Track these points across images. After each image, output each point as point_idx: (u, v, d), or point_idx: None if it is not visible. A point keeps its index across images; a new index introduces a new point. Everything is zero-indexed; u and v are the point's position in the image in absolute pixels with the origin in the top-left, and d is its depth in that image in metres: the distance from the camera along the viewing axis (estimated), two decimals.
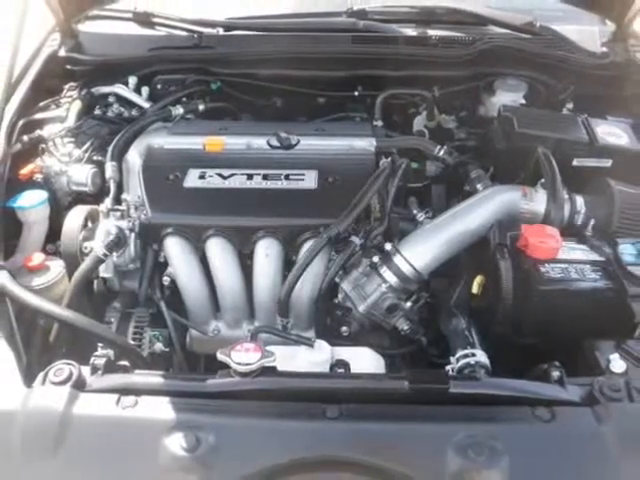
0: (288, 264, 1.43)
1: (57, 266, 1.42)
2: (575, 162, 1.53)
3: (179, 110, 1.79)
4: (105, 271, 1.43)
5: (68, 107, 1.74)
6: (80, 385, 1.03)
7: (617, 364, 1.07)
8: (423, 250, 1.40)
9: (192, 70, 1.91)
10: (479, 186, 1.56)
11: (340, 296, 1.44)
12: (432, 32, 1.96)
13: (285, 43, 1.91)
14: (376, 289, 1.40)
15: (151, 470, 0.95)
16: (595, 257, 1.30)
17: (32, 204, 1.49)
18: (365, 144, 1.62)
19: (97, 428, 1.00)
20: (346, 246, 1.40)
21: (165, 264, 1.48)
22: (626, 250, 1.29)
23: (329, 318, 1.45)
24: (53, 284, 1.38)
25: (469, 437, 0.95)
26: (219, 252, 1.43)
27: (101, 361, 1.07)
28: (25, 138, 1.58)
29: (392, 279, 1.39)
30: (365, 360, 1.28)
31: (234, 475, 0.95)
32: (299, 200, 1.46)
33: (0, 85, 1.55)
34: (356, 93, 1.91)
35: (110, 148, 1.61)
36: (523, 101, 1.81)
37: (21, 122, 1.61)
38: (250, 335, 1.27)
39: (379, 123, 1.78)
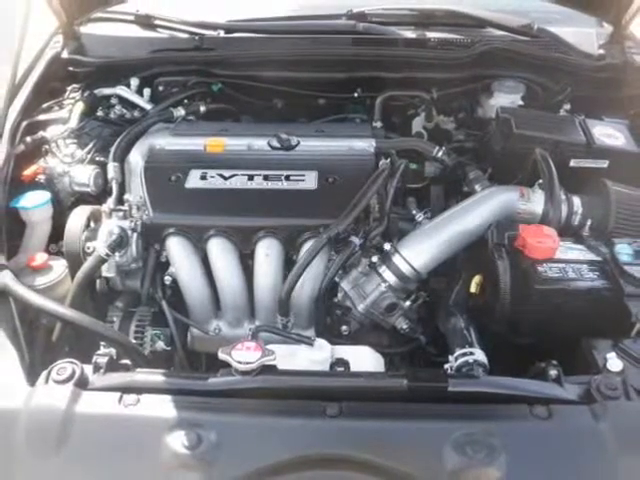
0: (289, 264, 1.44)
1: (60, 266, 1.43)
2: (572, 163, 1.54)
3: (180, 111, 1.80)
4: (107, 271, 1.44)
5: (71, 108, 1.75)
6: (82, 383, 1.04)
7: (614, 363, 1.07)
8: (422, 250, 1.41)
9: (193, 72, 1.92)
10: (477, 187, 1.57)
11: (340, 295, 1.45)
12: (431, 34, 1.97)
13: (285, 45, 1.92)
14: (375, 288, 1.42)
15: (153, 467, 0.96)
16: (592, 257, 1.31)
17: (35, 204, 1.50)
18: (365, 145, 1.63)
19: (99, 426, 1.01)
20: (346, 246, 1.41)
21: (167, 264, 1.49)
22: (623, 250, 1.29)
23: (329, 317, 1.46)
24: (56, 284, 1.39)
25: (467, 435, 0.96)
26: (220, 252, 1.44)
27: (103, 360, 1.08)
28: (28, 139, 1.59)
29: (391, 278, 1.40)
30: (365, 359, 1.28)
31: (235, 472, 0.95)
32: (299, 200, 1.47)
33: (4, 87, 1.57)
34: (356, 95, 1.92)
35: (112, 149, 1.63)
36: (521, 102, 1.82)
37: (24, 123, 1.62)
38: (251, 334, 1.27)
39: (378, 124, 1.79)
